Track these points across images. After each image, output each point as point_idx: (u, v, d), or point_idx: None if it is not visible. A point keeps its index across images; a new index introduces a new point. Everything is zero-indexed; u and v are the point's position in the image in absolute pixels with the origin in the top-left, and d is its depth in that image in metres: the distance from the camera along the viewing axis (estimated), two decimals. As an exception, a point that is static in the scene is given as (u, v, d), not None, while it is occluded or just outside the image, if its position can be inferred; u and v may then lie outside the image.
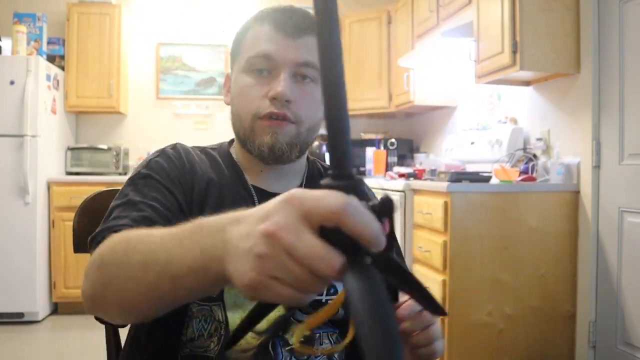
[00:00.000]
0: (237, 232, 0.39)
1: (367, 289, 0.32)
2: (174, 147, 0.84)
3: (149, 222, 0.69)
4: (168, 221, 0.71)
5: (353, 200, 0.34)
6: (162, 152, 0.82)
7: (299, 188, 0.37)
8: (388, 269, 0.38)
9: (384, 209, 0.37)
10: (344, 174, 0.36)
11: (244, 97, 0.80)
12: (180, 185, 0.77)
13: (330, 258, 0.34)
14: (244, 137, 0.81)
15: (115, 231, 0.64)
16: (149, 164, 0.79)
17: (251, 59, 0.79)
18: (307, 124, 0.80)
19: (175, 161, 0.80)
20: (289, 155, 0.79)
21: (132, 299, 0.52)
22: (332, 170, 0.37)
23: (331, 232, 0.34)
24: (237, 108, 0.82)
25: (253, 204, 0.82)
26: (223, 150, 0.89)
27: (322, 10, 0.36)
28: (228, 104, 0.86)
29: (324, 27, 0.36)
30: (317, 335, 0.79)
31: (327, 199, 0.34)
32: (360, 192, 0.36)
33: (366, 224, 0.34)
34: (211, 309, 0.75)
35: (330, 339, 0.81)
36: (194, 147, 0.88)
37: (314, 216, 0.34)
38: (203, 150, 0.88)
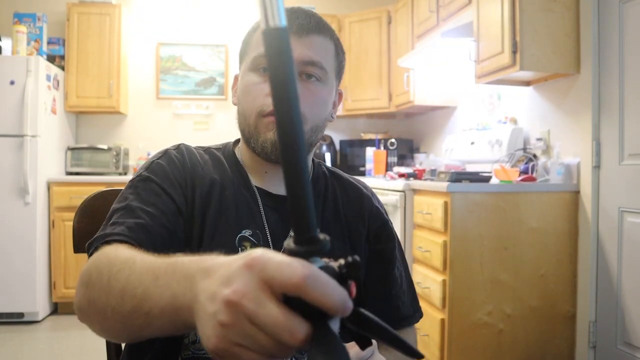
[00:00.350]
0: (205, 288, 0.38)
1: None
2: (178, 147, 0.84)
3: (144, 230, 0.70)
4: (165, 228, 0.72)
5: (314, 270, 0.34)
6: (165, 154, 0.82)
7: (261, 249, 0.37)
8: (360, 324, 0.39)
9: (349, 272, 0.37)
10: (307, 238, 0.36)
11: (248, 94, 0.80)
12: (181, 188, 0.78)
13: (293, 328, 0.33)
14: (248, 134, 0.81)
15: (109, 242, 0.66)
16: (151, 165, 0.79)
17: (256, 58, 0.79)
18: (311, 123, 0.80)
19: (177, 163, 0.80)
20: None
21: (110, 325, 0.53)
22: (294, 234, 0.36)
23: (295, 299, 0.34)
24: (243, 106, 0.82)
25: (257, 206, 0.82)
26: (227, 150, 0.89)
27: (276, 75, 0.35)
28: (235, 104, 0.86)
29: (280, 91, 0.35)
30: None
31: (287, 269, 0.34)
32: (326, 253, 0.36)
33: (328, 294, 0.33)
34: None
35: None
36: (198, 147, 0.88)
37: (275, 285, 0.34)
38: (207, 150, 0.88)
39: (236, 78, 0.88)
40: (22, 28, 3.38)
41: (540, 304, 2.22)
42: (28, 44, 3.44)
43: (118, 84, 3.66)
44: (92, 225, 0.87)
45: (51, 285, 3.30)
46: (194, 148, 0.86)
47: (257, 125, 0.79)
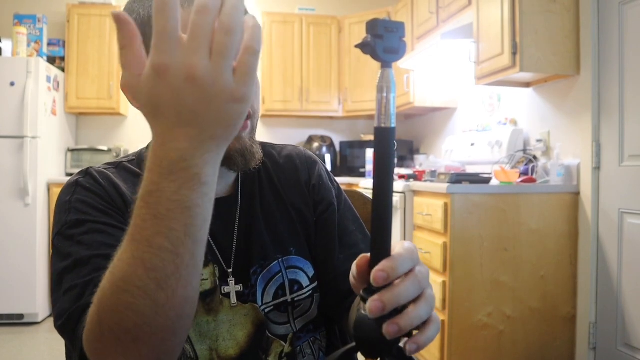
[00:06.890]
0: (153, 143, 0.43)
1: None
2: (87, 174, 0.71)
3: None
4: None
5: None
6: (76, 186, 0.69)
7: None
8: None
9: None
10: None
11: None
12: (112, 211, 0.68)
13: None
14: None
15: (88, 306, 0.51)
16: (72, 205, 0.67)
17: None
18: (258, 110, 0.72)
19: (97, 190, 0.68)
20: (256, 152, 0.71)
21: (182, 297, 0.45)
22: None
23: None
24: None
25: None
26: (143, 161, 0.76)
27: (379, 158, 0.43)
28: None
29: (382, 183, 0.43)
30: (298, 348, 0.76)
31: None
32: None
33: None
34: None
35: (312, 347, 0.77)
36: (106, 166, 0.75)
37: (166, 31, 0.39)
38: (119, 166, 0.76)
39: None
40: (23, 29, 3.38)
41: (540, 306, 2.21)
42: (28, 45, 3.44)
43: (118, 85, 3.66)
44: (92, 226, 0.87)
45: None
46: (104, 169, 0.74)
47: None
